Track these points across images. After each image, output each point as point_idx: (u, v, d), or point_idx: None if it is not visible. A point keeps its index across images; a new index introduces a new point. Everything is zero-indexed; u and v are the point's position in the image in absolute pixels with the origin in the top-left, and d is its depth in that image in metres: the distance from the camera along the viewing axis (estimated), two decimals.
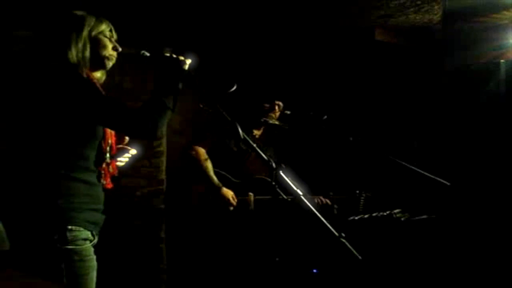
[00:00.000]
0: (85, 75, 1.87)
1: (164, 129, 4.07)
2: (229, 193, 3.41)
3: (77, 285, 1.74)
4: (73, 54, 1.83)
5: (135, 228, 4.03)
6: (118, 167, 2.01)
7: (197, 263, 3.65)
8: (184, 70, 1.90)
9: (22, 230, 1.71)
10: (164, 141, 4.21)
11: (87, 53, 1.86)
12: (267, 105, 3.59)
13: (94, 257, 1.82)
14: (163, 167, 4.24)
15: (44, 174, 1.75)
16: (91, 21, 1.89)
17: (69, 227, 1.73)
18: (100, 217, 1.88)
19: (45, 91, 1.75)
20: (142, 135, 1.82)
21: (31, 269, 1.69)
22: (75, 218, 1.75)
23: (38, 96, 1.76)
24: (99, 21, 1.92)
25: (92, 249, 1.82)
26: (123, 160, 2.03)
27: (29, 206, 1.74)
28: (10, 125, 1.86)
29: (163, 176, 4.24)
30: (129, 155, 2.03)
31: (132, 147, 2.05)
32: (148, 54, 1.94)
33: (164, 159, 4.24)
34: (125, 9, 3.45)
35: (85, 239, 1.78)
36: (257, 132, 3.65)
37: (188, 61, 1.92)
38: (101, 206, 1.89)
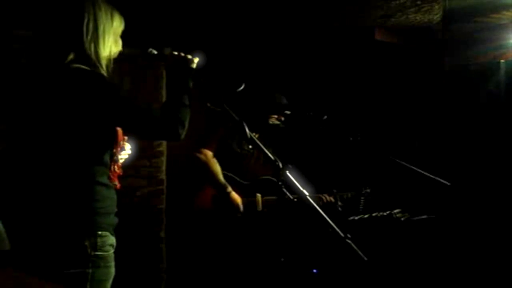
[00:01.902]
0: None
1: None
2: (237, 199, 3.40)
3: None
4: (106, 51, 1.75)
5: (135, 228, 4.03)
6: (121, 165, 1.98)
7: (198, 263, 3.65)
8: (192, 68, 1.88)
9: (47, 234, 1.65)
10: (164, 141, 4.21)
11: (114, 51, 1.80)
12: (275, 116, 3.55)
13: (113, 263, 1.78)
14: (163, 167, 4.23)
15: (71, 179, 1.68)
16: (116, 16, 1.80)
17: (99, 232, 1.69)
18: (117, 220, 1.83)
19: (74, 95, 1.65)
20: (172, 138, 1.79)
21: (55, 272, 1.63)
22: (102, 223, 1.71)
23: (66, 99, 1.66)
24: (121, 18, 1.82)
25: (113, 255, 1.78)
26: (123, 157, 2.01)
27: (58, 211, 1.66)
28: (35, 129, 1.76)
29: (163, 176, 4.23)
30: (128, 152, 2.01)
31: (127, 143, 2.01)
32: (155, 52, 1.91)
33: (164, 159, 4.24)
34: (129, 8, 3.44)
35: (111, 245, 1.74)
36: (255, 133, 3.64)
37: (196, 59, 1.90)
38: (116, 209, 1.83)
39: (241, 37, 4.31)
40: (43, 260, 1.65)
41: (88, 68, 1.70)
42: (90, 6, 1.73)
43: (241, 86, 1.96)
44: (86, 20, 1.70)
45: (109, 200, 1.76)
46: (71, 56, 1.68)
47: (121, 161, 1.96)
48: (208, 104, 1.98)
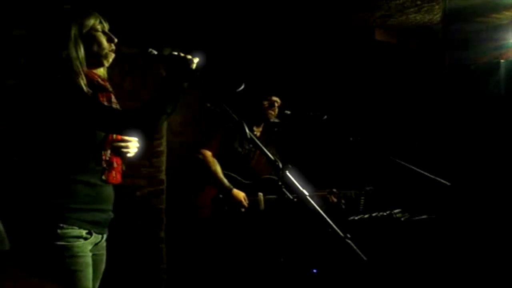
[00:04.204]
0: (83, 74, 1.84)
1: (164, 129, 4.08)
2: (240, 194, 3.40)
3: (71, 280, 1.77)
4: (66, 54, 1.81)
5: (135, 228, 4.03)
6: (125, 160, 2.00)
7: (198, 263, 3.65)
8: (191, 69, 1.88)
9: (20, 229, 1.76)
10: (164, 141, 4.21)
11: (82, 53, 1.84)
12: (265, 103, 3.59)
13: (89, 254, 1.84)
14: (163, 167, 4.23)
15: (43, 176, 1.80)
16: (77, 18, 1.86)
17: (61, 225, 1.76)
18: (103, 217, 1.90)
19: (39, 96, 1.78)
20: (139, 134, 1.86)
21: (30, 267, 1.74)
22: (69, 217, 1.78)
23: (33, 101, 1.80)
24: (86, 15, 1.88)
25: (87, 247, 1.84)
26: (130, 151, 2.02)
27: (27, 205, 1.79)
28: (12, 128, 1.88)
29: (163, 176, 4.23)
30: (136, 144, 2.03)
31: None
32: (155, 53, 1.92)
33: (164, 159, 4.24)
34: (130, 8, 3.44)
35: (77, 237, 1.80)
36: (257, 130, 3.64)
37: (196, 60, 1.90)
38: (104, 206, 1.91)
39: (241, 37, 4.31)
40: (19, 254, 1.74)
41: (51, 70, 1.79)
42: (49, 16, 1.88)
43: (241, 86, 1.96)
44: (47, 29, 1.86)
45: (87, 197, 1.84)
46: (42, 59, 1.82)
47: (129, 155, 2.00)
48: (208, 104, 1.98)
